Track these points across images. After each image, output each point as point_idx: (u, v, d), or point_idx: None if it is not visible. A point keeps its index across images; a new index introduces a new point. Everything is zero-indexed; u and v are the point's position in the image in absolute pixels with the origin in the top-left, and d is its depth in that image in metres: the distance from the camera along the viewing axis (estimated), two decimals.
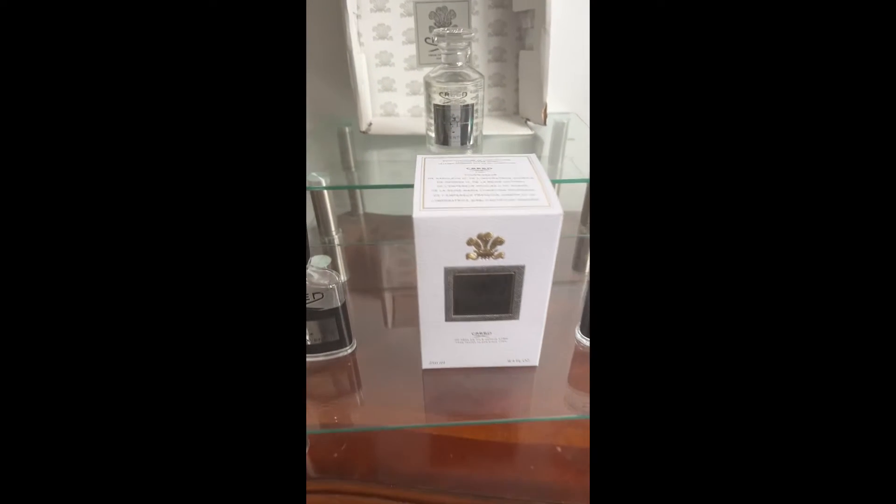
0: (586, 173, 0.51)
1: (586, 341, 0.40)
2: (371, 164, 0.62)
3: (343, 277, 0.55)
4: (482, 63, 0.60)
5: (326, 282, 0.34)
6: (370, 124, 0.57)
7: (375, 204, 0.70)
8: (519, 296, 0.33)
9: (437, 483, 0.36)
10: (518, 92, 0.61)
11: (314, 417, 0.39)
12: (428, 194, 0.30)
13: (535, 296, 0.33)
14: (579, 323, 0.41)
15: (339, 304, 0.35)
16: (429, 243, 0.30)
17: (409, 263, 0.58)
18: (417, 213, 0.29)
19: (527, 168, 0.33)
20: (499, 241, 0.30)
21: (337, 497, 0.36)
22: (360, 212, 0.69)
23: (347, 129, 0.60)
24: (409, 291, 0.54)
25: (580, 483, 0.36)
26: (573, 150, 0.62)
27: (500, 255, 0.30)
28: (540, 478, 0.36)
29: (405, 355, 0.40)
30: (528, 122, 0.60)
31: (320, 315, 0.35)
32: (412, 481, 0.36)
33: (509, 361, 0.37)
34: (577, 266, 0.60)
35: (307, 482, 0.37)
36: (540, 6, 0.51)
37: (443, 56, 0.46)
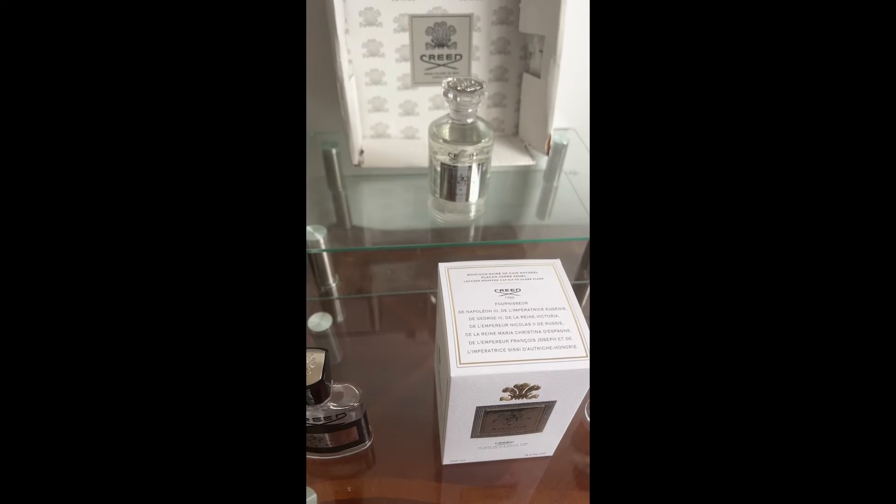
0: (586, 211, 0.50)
1: None
2: (362, 194, 0.59)
3: (340, 318, 0.53)
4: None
5: (348, 401, 0.33)
6: (362, 153, 0.53)
7: (363, 216, 0.67)
8: (546, 420, 0.33)
9: None
10: (519, 113, 0.57)
11: (330, 493, 0.40)
12: (462, 343, 0.29)
13: (562, 418, 0.33)
14: (587, 403, 0.42)
15: (359, 418, 0.34)
16: (464, 394, 0.29)
17: (398, 280, 0.57)
18: (456, 372, 0.28)
19: (557, 289, 0.32)
20: (535, 388, 0.29)
21: None
22: (348, 225, 0.66)
23: (335, 152, 0.56)
24: (405, 315, 0.53)
25: None
26: (568, 182, 0.60)
27: (534, 397, 0.30)
28: None
29: (420, 440, 0.41)
30: (529, 147, 0.57)
31: (341, 427, 0.34)
32: None
33: (527, 455, 0.38)
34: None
35: None
36: (551, 33, 0.47)
37: (453, 109, 0.42)
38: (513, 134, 0.59)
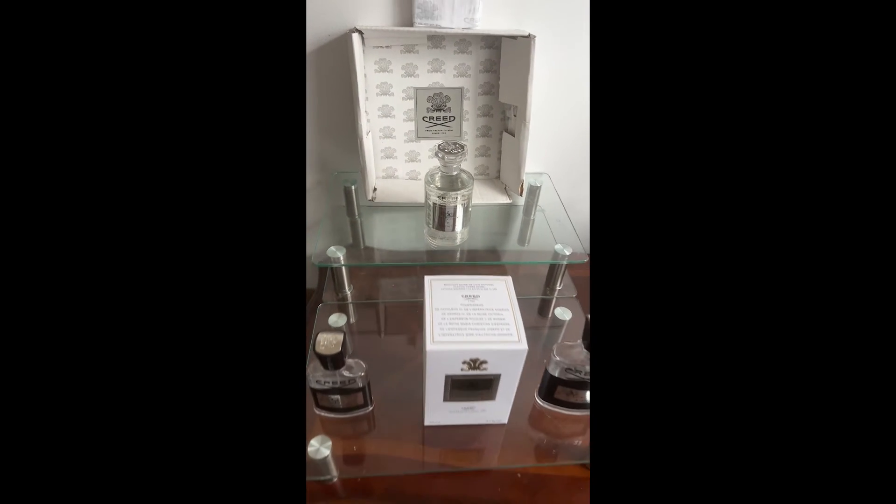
0: (557, 245, 0.64)
1: (542, 403, 0.54)
2: (374, 225, 0.73)
3: (353, 319, 0.68)
4: (471, 138, 0.70)
5: (357, 371, 0.47)
6: (375, 190, 0.68)
7: (375, 238, 0.82)
8: (496, 389, 0.46)
9: (431, 500, 0.51)
10: (500, 161, 0.72)
11: (338, 449, 0.54)
12: (436, 328, 0.43)
13: (507, 389, 0.47)
14: (537, 389, 0.55)
15: (364, 385, 0.48)
16: (436, 363, 0.43)
17: (403, 292, 0.71)
18: (430, 347, 0.42)
19: (505, 297, 0.46)
20: (483, 362, 0.43)
21: None
22: (362, 246, 0.81)
23: (353, 188, 0.70)
24: (406, 323, 0.67)
25: (532, 500, 0.51)
26: (542, 217, 0.74)
27: (484, 368, 0.44)
28: (506, 496, 0.52)
29: (410, 411, 0.54)
30: (508, 189, 0.71)
31: (350, 391, 0.48)
32: (412, 499, 0.51)
33: (487, 421, 0.52)
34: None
35: (340, 501, 0.51)
36: (521, 104, 0.61)
37: (442, 165, 0.56)
38: (496, 177, 0.73)
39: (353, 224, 0.72)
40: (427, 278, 0.48)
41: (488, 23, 0.60)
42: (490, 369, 0.44)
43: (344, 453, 0.53)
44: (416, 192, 0.68)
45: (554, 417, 0.55)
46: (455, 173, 0.57)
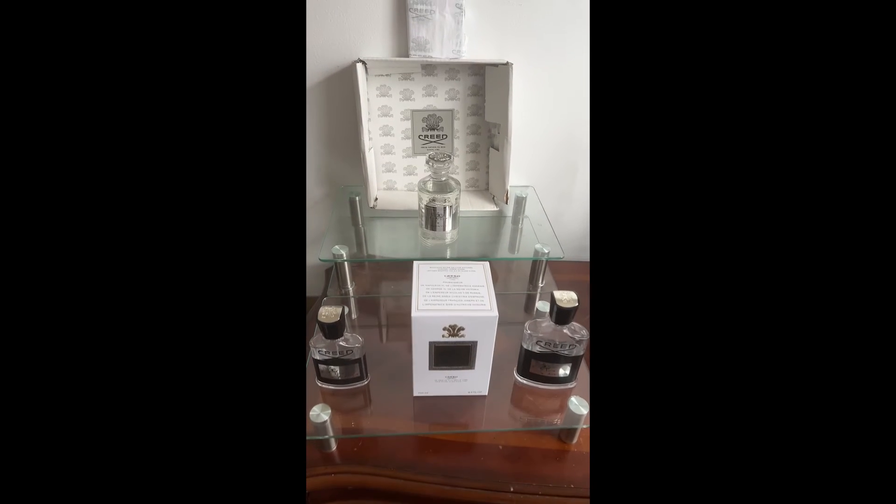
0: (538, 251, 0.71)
1: (521, 379, 0.61)
2: (375, 229, 0.82)
3: (354, 315, 0.75)
4: (461, 153, 0.79)
5: (353, 343, 0.54)
6: (376, 199, 0.76)
7: (376, 246, 0.90)
8: (474, 357, 0.53)
9: (420, 468, 0.57)
10: (488, 174, 0.80)
11: (338, 423, 0.60)
12: (420, 300, 0.50)
13: (484, 357, 0.53)
14: (516, 366, 0.61)
15: (361, 357, 0.55)
16: (420, 329, 0.50)
17: (402, 297, 0.78)
18: (415, 313, 0.49)
19: (482, 279, 0.53)
20: (461, 329, 0.50)
21: (357, 476, 0.57)
22: (364, 250, 0.89)
23: (357, 199, 0.79)
24: (402, 321, 0.74)
25: (512, 468, 0.57)
26: (528, 224, 0.82)
27: (462, 336, 0.51)
28: (487, 465, 0.57)
29: (402, 385, 0.61)
30: (495, 199, 0.79)
31: (348, 363, 0.55)
32: (404, 466, 0.57)
33: (469, 392, 0.58)
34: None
35: (336, 467, 0.57)
36: (503, 122, 0.70)
37: (432, 171, 0.65)
38: (485, 189, 0.82)
39: (357, 231, 0.80)
40: (416, 262, 0.55)
41: (474, 53, 0.70)
42: (467, 336, 0.51)
43: (344, 427, 0.60)
44: (413, 201, 0.77)
45: (531, 392, 0.61)
46: (444, 179, 0.65)
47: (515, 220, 0.82)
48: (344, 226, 0.80)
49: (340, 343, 0.53)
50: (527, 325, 0.56)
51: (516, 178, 0.83)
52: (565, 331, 0.53)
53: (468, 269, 0.55)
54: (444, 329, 0.50)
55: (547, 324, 0.54)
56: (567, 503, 0.55)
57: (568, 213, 0.88)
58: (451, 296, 0.51)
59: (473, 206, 0.77)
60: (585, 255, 0.92)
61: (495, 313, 0.49)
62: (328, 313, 0.51)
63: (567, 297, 0.52)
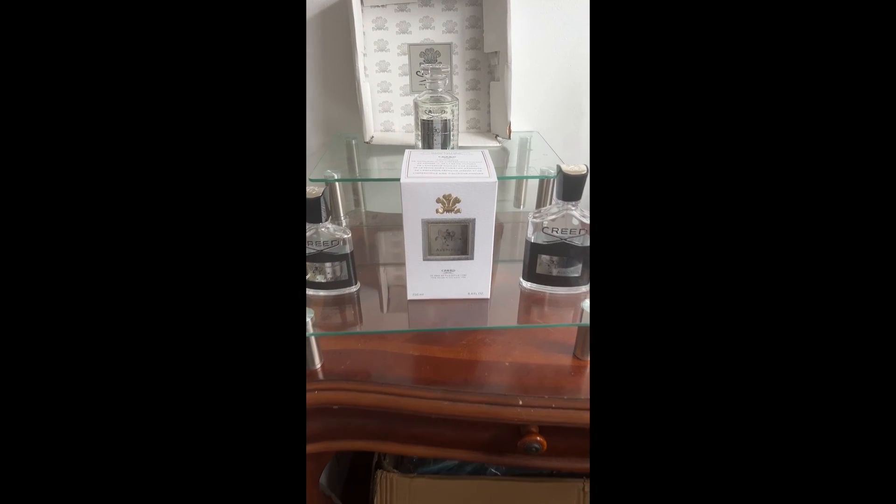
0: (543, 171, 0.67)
1: (527, 284, 0.54)
2: (372, 166, 0.78)
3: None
4: (461, 91, 0.76)
5: (340, 234, 0.49)
6: (372, 137, 0.73)
7: (375, 203, 0.85)
8: (473, 241, 0.48)
9: (416, 384, 0.50)
10: (490, 114, 0.77)
11: (331, 345, 0.54)
12: (410, 170, 0.46)
13: (484, 242, 0.48)
14: (521, 273, 0.56)
15: (349, 252, 0.50)
16: (411, 201, 0.45)
17: (399, 245, 0.73)
18: (404, 180, 0.44)
19: (480, 158, 0.49)
20: (457, 200, 0.45)
21: (343, 393, 0.50)
22: (363, 209, 0.85)
23: (354, 142, 0.76)
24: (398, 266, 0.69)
25: (521, 382, 0.50)
26: (535, 157, 0.78)
27: (458, 211, 0.45)
28: (493, 380, 0.50)
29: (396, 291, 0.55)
30: (498, 138, 0.76)
31: (334, 258, 0.50)
32: (398, 382, 0.50)
33: (469, 294, 0.52)
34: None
35: (322, 383, 0.51)
36: (503, 48, 0.68)
37: (428, 84, 0.62)
38: (486, 130, 0.78)
39: (350, 158, 0.76)
40: (407, 150, 0.51)
41: None
42: (464, 212, 0.46)
43: (335, 348, 0.54)
44: (410, 142, 0.73)
45: (539, 299, 0.54)
46: (440, 90, 0.62)
47: (521, 169, 0.78)
48: (340, 164, 0.76)
49: (328, 226, 0.48)
50: (531, 214, 0.51)
51: (519, 124, 0.80)
52: (574, 212, 0.48)
53: (465, 153, 0.50)
54: (438, 202, 0.45)
55: (555, 209, 0.49)
56: (585, 416, 0.48)
57: (574, 161, 0.84)
58: (446, 168, 0.46)
59: (474, 143, 0.74)
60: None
61: (494, 179, 0.44)
62: (309, 191, 0.47)
63: (575, 167, 0.47)
